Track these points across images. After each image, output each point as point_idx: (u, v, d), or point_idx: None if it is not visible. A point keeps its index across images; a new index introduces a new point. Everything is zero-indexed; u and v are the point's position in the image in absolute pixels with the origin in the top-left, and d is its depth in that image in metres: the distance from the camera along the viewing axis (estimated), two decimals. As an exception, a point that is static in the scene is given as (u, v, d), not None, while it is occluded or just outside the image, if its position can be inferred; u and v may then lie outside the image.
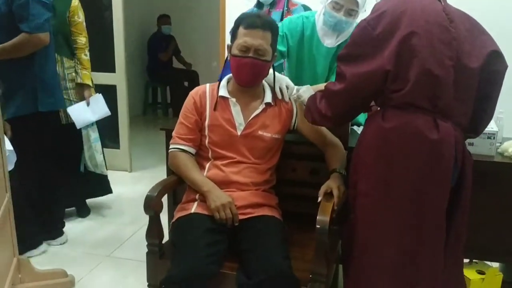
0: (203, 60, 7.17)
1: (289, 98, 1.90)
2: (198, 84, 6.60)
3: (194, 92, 1.90)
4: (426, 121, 1.46)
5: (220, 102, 1.84)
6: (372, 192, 1.53)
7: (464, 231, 1.59)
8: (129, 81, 4.12)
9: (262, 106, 1.84)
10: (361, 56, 1.51)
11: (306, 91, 1.83)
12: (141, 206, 1.69)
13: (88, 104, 2.91)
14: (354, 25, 2.07)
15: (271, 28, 1.76)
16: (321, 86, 1.81)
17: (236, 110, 1.83)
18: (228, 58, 1.82)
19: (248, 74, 1.77)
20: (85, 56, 2.92)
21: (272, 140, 1.86)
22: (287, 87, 1.90)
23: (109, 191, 3.27)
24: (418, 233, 1.50)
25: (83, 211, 3.18)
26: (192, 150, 1.85)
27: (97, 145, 3.02)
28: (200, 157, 1.87)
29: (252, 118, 1.83)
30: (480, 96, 1.54)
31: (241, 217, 1.73)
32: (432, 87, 1.45)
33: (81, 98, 2.93)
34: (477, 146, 1.89)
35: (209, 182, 1.76)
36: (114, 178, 3.44)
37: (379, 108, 1.59)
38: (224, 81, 1.89)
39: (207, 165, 1.84)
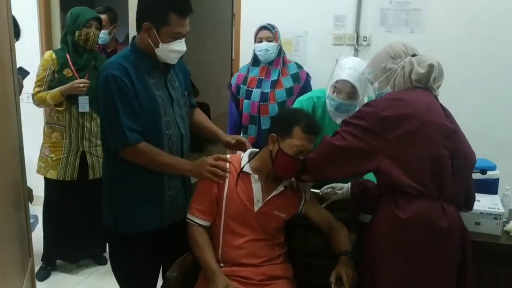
0: (212, 91, 7.29)
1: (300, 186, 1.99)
2: (209, 116, 6.71)
3: None
4: (436, 208, 1.60)
5: (242, 177, 1.92)
6: (393, 276, 1.63)
7: None
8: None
9: (281, 188, 1.92)
10: (365, 128, 1.65)
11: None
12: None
13: None
14: (366, 100, 2.16)
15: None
16: None
17: (256, 187, 1.90)
18: (272, 149, 1.85)
19: (294, 172, 1.87)
20: None
21: (283, 221, 1.96)
22: None
23: None
24: None
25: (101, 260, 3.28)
26: (207, 224, 1.93)
27: None
28: (213, 229, 1.94)
29: (270, 197, 1.91)
30: None
31: None
32: (437, 175, 1.60)
33: None
34: (483, 226, 1.96)
35: (213, 268, 1.82)
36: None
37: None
38: (246, 156, 1.96)
39: (220, 244, 1.91)
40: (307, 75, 3.06)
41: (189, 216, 1.93)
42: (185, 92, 2.07)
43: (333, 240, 1.92)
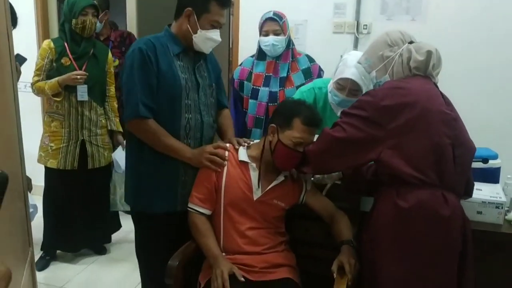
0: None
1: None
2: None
3: None
4: (437, 197, 1.60)
5: (240, 165, 1.92)
6: (393, 265, 1.62)
7: None
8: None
9: (281, 178, 1.92)
10: (364, 118, 1.63)
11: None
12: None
13: (123, 148, 3.04)
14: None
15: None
16: None
17: (254, 175, 1.90)
18: (272, 140, 1.85)
19: (294, 164, 1.86)
20: (116, 104, 3.12)
21: (283, 210, 1.95)
22: None
23: (119, 226, 3.36)
24: None
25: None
26: (208, 212, 1.92)
27: None
28: (213, 218, 1.93)
29: (270, 187, 1.90)
30: None
31: (261, 278, 1.83)
32: (438, 163, 1.59)
33: (108, 143, 3.07)
34: (485, 215, 1.95)
35: (216, 254, 1.83)
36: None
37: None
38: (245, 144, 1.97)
39: (221, 232, 1.90)
40: (320, 69, 2.77)
41: (190, 204, 1.93)
42: (213, 84, 2.09)
43: (335, 229, 1.91)
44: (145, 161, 1.97)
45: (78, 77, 2.80)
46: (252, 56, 2.81)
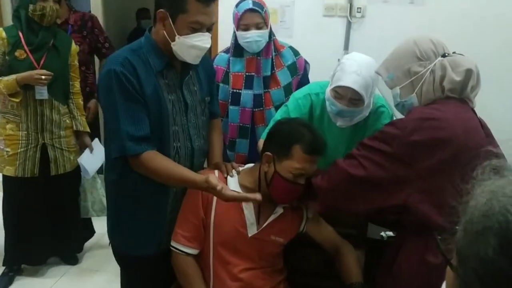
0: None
1: None
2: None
3: None
4: None
5: None
6: None
7: None
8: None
9: (280, 211, 1.65)
10: (389, 155, 1.36)
11: None
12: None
13: (91, 151, 2.74)
14: (371, 106, 1.85)
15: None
16: None
17: (248, 208, 1.63)
18: (268, 171, 1.58)
19: (294, 197, 1.61)
20: (81, 101, 2.76)
21: (282, 245, 1.71)
22: None
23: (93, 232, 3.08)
24: None
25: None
26: (195, 252, 1.66)
27: (103, 189, 2.81)
28: (201, 260, 1.68)
29: (267, 223, 1.64)
30: None
31: None
32: None
33: (74, 146, 2.73)
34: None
35: None
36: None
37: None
38: (234, 173, 1.69)
39: (211, 277, 1.65)
40: (305, 63, 2.36)
41: (173, 243, 1.65)
42: (206, 98, 1.75)
43: (342, 267, 1.69)
44: (125, 195, 1.67)
45: (43, 77, 2.41)
46: (225, 52, 2.34)
